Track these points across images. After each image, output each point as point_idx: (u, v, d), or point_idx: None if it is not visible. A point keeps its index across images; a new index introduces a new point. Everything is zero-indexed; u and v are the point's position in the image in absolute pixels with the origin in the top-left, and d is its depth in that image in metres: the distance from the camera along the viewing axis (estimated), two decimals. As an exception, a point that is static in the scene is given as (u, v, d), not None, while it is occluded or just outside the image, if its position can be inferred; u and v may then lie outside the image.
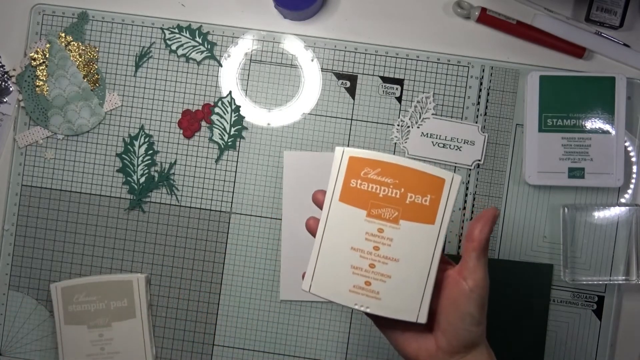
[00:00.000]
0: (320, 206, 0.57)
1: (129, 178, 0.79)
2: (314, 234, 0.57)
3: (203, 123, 0.79)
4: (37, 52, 0.79)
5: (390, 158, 0.56)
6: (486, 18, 0.77)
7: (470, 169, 0.78)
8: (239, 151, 0.79)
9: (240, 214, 0.79)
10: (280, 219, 0.78)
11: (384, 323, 0.58)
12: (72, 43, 0.79)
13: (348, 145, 0.78)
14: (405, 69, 0.78)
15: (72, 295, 0.77)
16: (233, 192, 0.79)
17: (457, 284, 0.54)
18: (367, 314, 0.56)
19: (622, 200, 0.78)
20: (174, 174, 0.79)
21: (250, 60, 0.79)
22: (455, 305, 0.54)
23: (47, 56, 0.79)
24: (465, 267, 0.55)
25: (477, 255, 0.54)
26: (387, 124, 0.78)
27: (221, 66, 0.79)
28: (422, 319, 0.54)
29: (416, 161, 0.55)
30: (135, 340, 0.77)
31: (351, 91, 0.79)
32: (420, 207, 0.55)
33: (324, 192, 0.57)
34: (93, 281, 0.77)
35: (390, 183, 0.55)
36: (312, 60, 0.79)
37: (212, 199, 0.79)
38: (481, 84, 0.78)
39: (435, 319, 0.56)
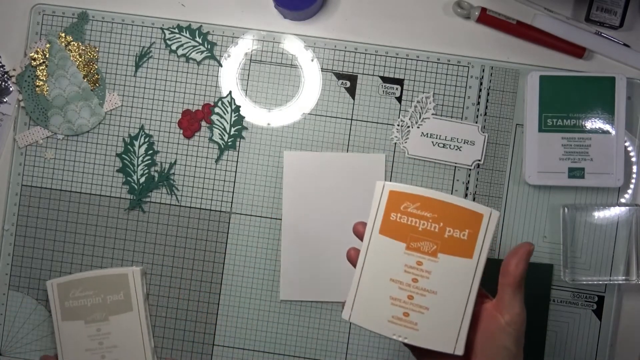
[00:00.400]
0: (361, 237, 0.59)
1: (129, 178, 0.79)
2: (354, 264, 0.59)
3: (203, 123, 0.79)
4: (37, 52, 0.79)
5: (430, 193, 0.57)
6: (486, 18, 0.77)
7: (470, 169, 0.78)
8: (239, 151, 0.79)
9: (240, 214, 0.79)
10: (280, 219, 0.78)
11: (421, 353, 0.59)
12: (72, 43, 0.79)
13: (348, 146, 0.78)
14: (405, 69, 0.78)
15: (68, 291, 0.77)
16: (233, 192, 0.79)
17: (494, 318, 0.56)
18: (405, 344, 0.57)
19: (622, 200, 0.78)
20: (174, 174, 0.79)
21: (250, 60, 0.79)
22: (491, 339, 0.55)
23: (47, 56, 0.79)
24: (502, 302, 0.56)
25: (513, 290, 0.56)
26: (387, 124, 0.78)
27: (221, 66, 0.79)
28: (460, 350, 0.56)
29: (455, 196, 0.57)
30: (133, 333, 0.77)
31: (351, 91, 0.79)
32: (458, 241, 0.57)
33: (364, 224, 0.59)
34: (88, 276, 0.77)
35: (429, 217, 0.57)
36: (312, 60, 0.79)
37: (212, 199, 0.79)
38: (481, 84, 0.78)
39: (472, 351, 0.57)
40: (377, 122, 0.78)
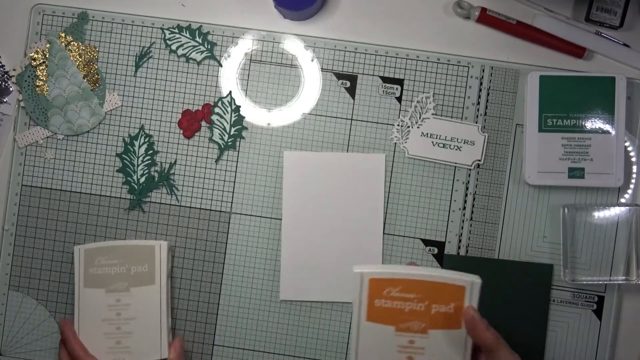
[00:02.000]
0: None
1: (129, 178, 0.79)
2: None
3: (203, 123, 0.79)
4: (37, 52, 0.79)
5: (410, 275, 0.58)
6: (486, 18, 0.77)
7: (470, 169, 0.78)
8: (239, 151, 0.79)
9: (240, 214, 0.79)
10: (280, 219, 0.78)
11: None
12: (72, 43, 0.79)
13: (348, 146, 0.78)
14: (405, 69, 0.78)
15: (93, 258, 0.75)
16: (233, 192, 0.79)
17: None
18: None
19: (622, 200, 0.78)
20: (174, 174, 0.79)
21: (250, 60, 0.79)
22: None
23: (47, 56, 0.79)
24: None
25: (498, 352, 0.57)
26: (387, 124, 0.78)
27: (221, 66, 0.79)
28: None
29: (436, 270, 0.59)
30: (152, 307, 0.75)
31: (351, 91, 0.79)
32: (445, 315, 0.58)
33: None
34: (116, 245, 0.76)
35: (413, 298, 0.58)
36: (312, 60, 0.79)
37: (212, 199, 0.79)
38: (481, 84, 0.78)
39: None
40: (377, 122, 0.78)
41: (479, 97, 0.78)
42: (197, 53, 0.79)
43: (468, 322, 0.57)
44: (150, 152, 0.79)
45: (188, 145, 0.79)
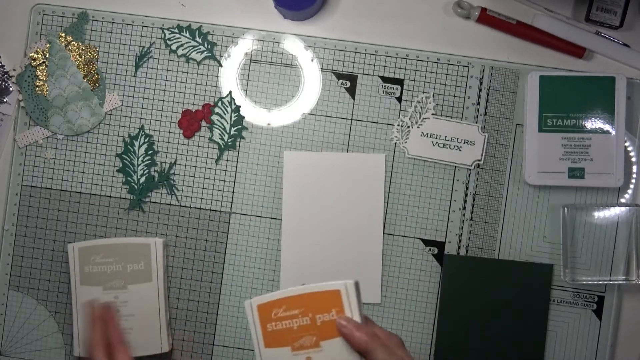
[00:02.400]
0: None
1: (129, 178, 0.79)
2: None
3: (203, 123, 0.79)
4: (37, 52, 0.79)
5: (289, 292, 0.59)
6: (486, 18, 0.77)
7: (470, 169, 0.78)
8: (239, 151, 0.79)
9: (240, 214, 0.79)
10: (280, 219, 0.78)
11: None
12: (72, 43, 0.79)
13: (348, 146, 0.78)
14: (405, 69, 0.78)
15: (89, 256, 0.76)
16: (233, 192, 0.79)
17: None
18: None
19: (622, 200, 0.78)
20: (174, 174, 0.79)
21: (250, 60, 0.79)
22: None
23: (47, 56, 0.79)
24: None
25: (375, 351, 0.56)
26: (387, 124, 0.78)
27: (221, 66, 0.79)
28: None
29: (312, 284, 0.58)
30: (150, 303, 0.76)
31: (351, 91, 0.79)
32: (331, 323, 0.58)
33: None
34: (111, 243, 0.77)
35: (298, 313, 0.59)
36: (312, 60, 0.79)
37: (212, 199, 0.79)
38: (481, 84, 0.78)
39: None
40: (377, 122, 0.78)
41: (479, 97, 0.78)
42: (197, 53, 0.79)
43: (338, 328, 0.57)
44: (150, 152, 0.79)
45: (188, 145, 0.79)
